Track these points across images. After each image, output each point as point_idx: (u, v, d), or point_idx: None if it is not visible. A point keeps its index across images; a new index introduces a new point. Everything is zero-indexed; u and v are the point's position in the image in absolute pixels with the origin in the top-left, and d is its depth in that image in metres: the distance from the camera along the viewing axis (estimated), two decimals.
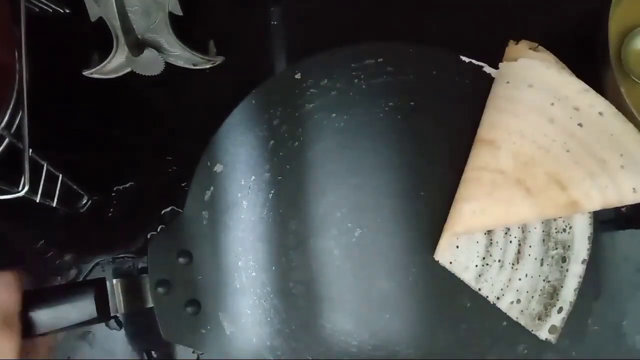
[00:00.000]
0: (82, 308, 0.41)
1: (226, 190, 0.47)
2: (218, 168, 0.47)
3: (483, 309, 0.44)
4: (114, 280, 0.43)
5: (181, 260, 0.45)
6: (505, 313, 0.44)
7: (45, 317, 0.40)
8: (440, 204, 0.45)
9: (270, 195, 0.47)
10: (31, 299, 0.39)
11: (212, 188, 0.47)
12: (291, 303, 0.45)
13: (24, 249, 0.53)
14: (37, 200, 0.45)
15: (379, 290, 0.45)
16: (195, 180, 0.47)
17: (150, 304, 0.44)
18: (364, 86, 0.48)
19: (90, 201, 0.53)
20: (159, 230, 0.53)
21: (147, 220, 0.53)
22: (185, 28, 0.52)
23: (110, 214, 0.53)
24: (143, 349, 0.51)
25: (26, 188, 0.42)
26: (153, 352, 0.51)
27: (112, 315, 0.43)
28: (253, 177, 0.47)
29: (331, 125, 0.47)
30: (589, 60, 0.49)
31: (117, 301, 0.43)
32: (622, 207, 0.52)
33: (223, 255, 0.46)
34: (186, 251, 0.46)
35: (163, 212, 0.53)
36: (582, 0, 0.54)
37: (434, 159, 0.46)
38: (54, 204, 0.47)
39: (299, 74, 0.48)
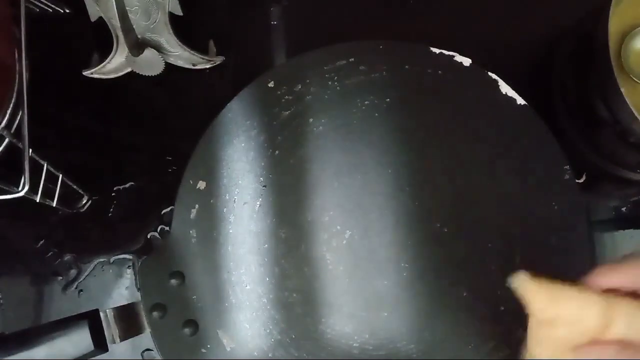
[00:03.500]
0: (78, 342, 0.40)
1: (211, 207, 0.46)
2: (201, 185, 0.47)
3: (480, 297, 0.44)
4: (108, 310, 0.42)
5: (173, 281, 0.45)
6: (503, 297, 0.44)
7: (41, 355, 0.39)
8: (425, 196, 0.45)
9: (257, 207, 0.46)
10: (25, 337, 0.39)
11: (197, 206, 0.46)
12: (289, 312, 0.45)
13: (24, 249, 0.53)
14: (37, 200, 0.45)
15: (374, 289, 0.45)
16: (179, 200, 0.47)
17: (147, 329, 0.44)
18: (338, 87, 0.48)
19: (90, 201, 0.53)
20: (159, 230, 0.53)
21: (147, 220, 0.53)
22: (185, 28, 0.53)
23: (110, 214, 0.53)
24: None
25: (26, 188, 0.42)
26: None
27: (109, 345, 0.42)
28: (237, 191, 0.47)
29: (310, 130, 0.47)
30: (589, 60, 0.49)
31: (113, 331, 0.42)
32: (623, 207, 0.53)
33: (215, 272, 0.45)
34: (178, 272, 0.45)
35: (163, 212, 0.53)
36: (582, 0, 0.54)
37: (414, 153, 0.47)
38: (54, 204, 0.47)
39: (272, 82, 0.48)
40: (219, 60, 0.54)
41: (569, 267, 0.45)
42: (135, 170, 0.54)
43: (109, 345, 0.41)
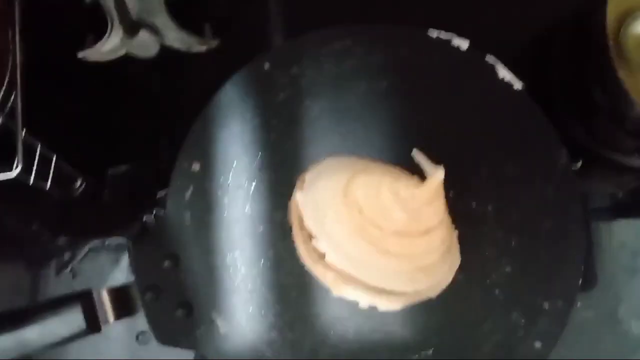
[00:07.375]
0: (71, 322, 0.40)
1: (206, 189, 0.46)
2: (195, 167, 0.46)
3: (474, 282, 0.44)
4: (101, 291, 0.42)
5: (167, 263, 0.45)
6: (498, 282, 0.44)
7: (33, 334, 0.39)
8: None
9: (251, 190, 0.46)
10: (18, 317, 0.39)
11: (191, 187, 0.46)
12: (283, 295, 0.45)
13: (18, 232, 0.53)
14: (31, 183, 0.44)
15: None
16: (174, 182, 0.46)
17: (140, 311, 0.44)
18: (334, 71, 0.47)
19: (84, 184, 0.53)
20: (154, 215, 0.53)
21: (142, 202, 0.53)
22: (180, 11, 0.52)
23: (104, 197, 0.53)
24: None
25: (19, 168, 0.42)
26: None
27: (101, 326, 0.42)
28: (232, 173, 0.46)
29: (305, 114, 0.47)
30: (587, 46, 0.49)
31: (106, 312, 0.42)
32: (619, 192, 0.53)
33: (210, 254, 0.45)
34: (172, 254, 0.45)
35: (158, 194, 0.53)
36: None
37: (412, 138, 0.46)
38: (48, 186, 0.47)
39: (268, 64, 0.48)
40: (214, 43, 0.54)
41: (565, 252, 0.45)
42: (129, 153, 0.54)
43: (102, 325, 0.41)
